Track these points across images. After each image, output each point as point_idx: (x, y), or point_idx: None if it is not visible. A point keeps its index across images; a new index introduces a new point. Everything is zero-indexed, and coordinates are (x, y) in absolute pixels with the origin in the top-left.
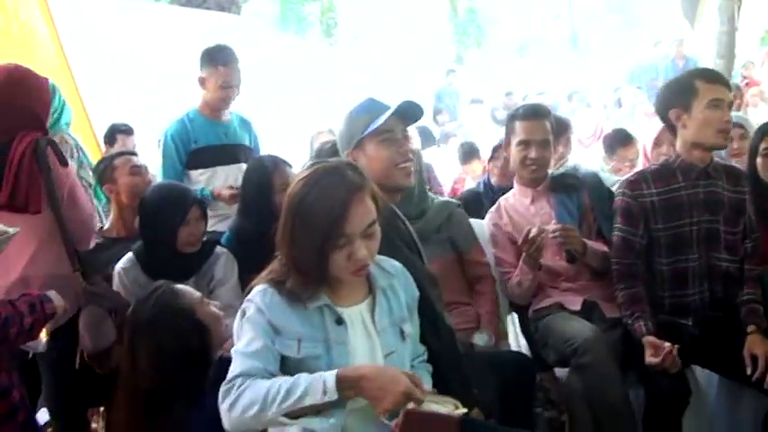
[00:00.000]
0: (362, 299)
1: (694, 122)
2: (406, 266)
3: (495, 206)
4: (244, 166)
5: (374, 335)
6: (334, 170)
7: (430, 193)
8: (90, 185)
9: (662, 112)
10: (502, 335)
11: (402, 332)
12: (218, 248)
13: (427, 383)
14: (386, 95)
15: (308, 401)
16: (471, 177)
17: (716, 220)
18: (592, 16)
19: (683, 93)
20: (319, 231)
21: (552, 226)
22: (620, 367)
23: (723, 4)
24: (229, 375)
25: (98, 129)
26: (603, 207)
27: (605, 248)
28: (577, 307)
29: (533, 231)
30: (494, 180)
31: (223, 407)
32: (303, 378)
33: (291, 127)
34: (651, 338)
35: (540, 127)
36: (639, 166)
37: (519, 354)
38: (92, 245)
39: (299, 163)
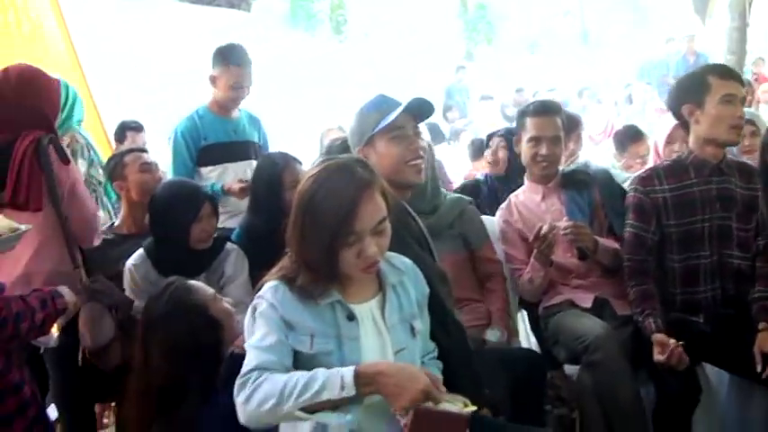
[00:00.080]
0: (372, 296)
1: (707, 118)
2: (416, 263)
3: (505, 203)
4: (253, 162)
5: (384, 332)
6: (343, 167)
7: (442, 189)
8: (100, 184)
9: (675, 107)
10: (513, 332)
11: (412, 329)
12: (229, 245)
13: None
14: (395, 92)
15: (325, 396)
16: (481, 174)
17: (728, 216)
18: (602, 12)
19: (695, 88)
20: (329, 229)
21: (563, 223)
22: (632, 365)
23: (734, 0)
24: (244, 369)
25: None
26: (614, 204)
27: (616, 245)
28: (588, 304)
29: (544, 228)
30: (487, 169)
31: (238, 400)
32: (320, 373)
33: (301, 124)
34: (659, 336)
35: (551, 123)
36: (650, 163)
37: (529, 351)
38: (96, 242)
39: (308, 160)
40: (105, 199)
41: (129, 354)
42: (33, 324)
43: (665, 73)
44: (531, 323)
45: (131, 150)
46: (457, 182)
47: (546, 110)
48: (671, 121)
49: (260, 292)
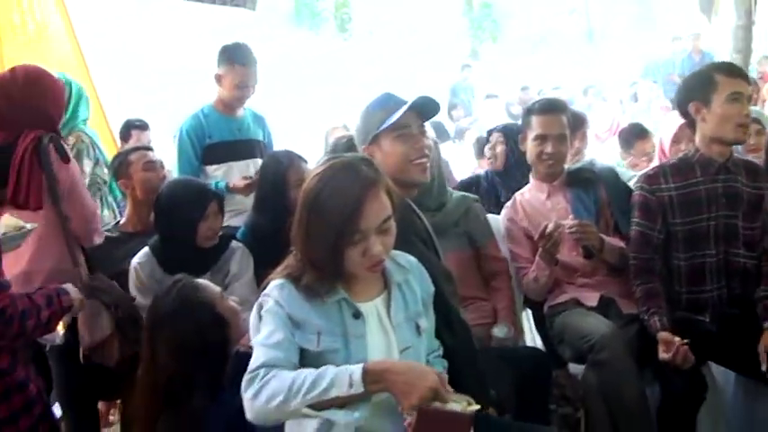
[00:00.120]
0: (378, 294)
1: (714, 116)
2: (421, 262)
3: (510, 201)
4: (258, 161)
5: (390, 330)
6: (348, 166)
7: (448, 188)
8: (105, 183)
9: (681, 105)
10: (519, 330)
11: (418, 327)
12: (234, 243)
13: None
14: (400, 91)
15: (333, 393)
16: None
17: (734, 215)
18: (608, 10)
19: (702, 86)
20: (334, 227)
21: (569, 221)
22: (637, 364)
23: None
24: (252, 365)
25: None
26: (620, 202)
27: (622, 244)
28: (594, 303)
29: (550, 227)
30: (488, 166)
31: (246, 396)
32: (329, 370)
33: (306, 122)
34: (664, 334)
35: (557, 121)
36: (656, 161)
37: (535, 349)
38: (98, 240)
39: (313, 158)
40: (110, 198)
41: (127, 351)
42: (39, 322)
43: (671, 71)
44: (535, 322)
45: (136, 149)
46: None
47: (552, 108)
48: (676, 120)
49: (266, 291)
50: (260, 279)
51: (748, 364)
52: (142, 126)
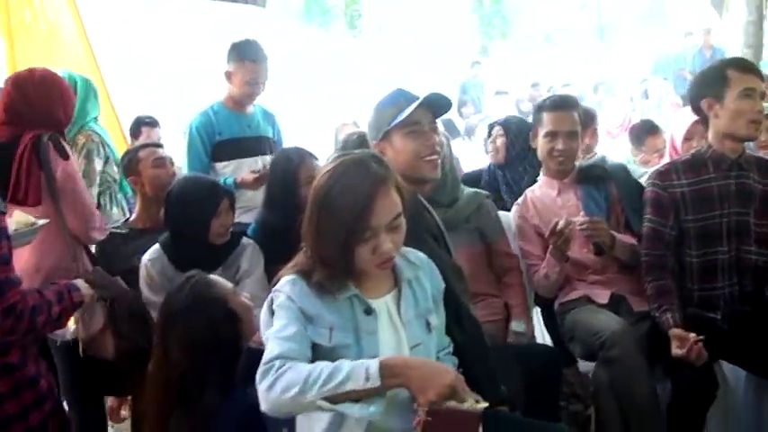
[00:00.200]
0: (388, 291)
1: (726, 112)
2: (431, 258)
3: (521, 198)
4: (267, 158)
5: (400, 327)
6: (359, 163)
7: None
8: (115, 181)
9: (694, 101)
10: (532, 326)
11: (428, 324)
12: (245, 240)
13: None
14: (410, 88)
15: (349, 387)
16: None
17: (746, 212)
18: (618, 5)
19: (715, 82)
20: (344, 224)
21: (580, 218)
22: (648, 361)
23: None
24: (267, 357)
25: None
26: (632, 199)
27: (633, 241)
28: (605, 300)
29: (561, 223)
30: (490, 159)
31: (261, 387)
32: (345, 363)
33: (315, 119)
34: (677, 331)
35: (568, 118)
36: (666, 158)
37: (545, 346)
38: (98, 237)
39: (323, 155)
40: (120, 196)
41: (125, 346)
42: (50, 317)
43: (682, 67)
44: (544, 320)
45: (146, 145)
46: None
47: (563, 104)
48: (688, 116)
49: (277, 286)
50: (270, 276)
51: (759, 363)
52: (152, 123)
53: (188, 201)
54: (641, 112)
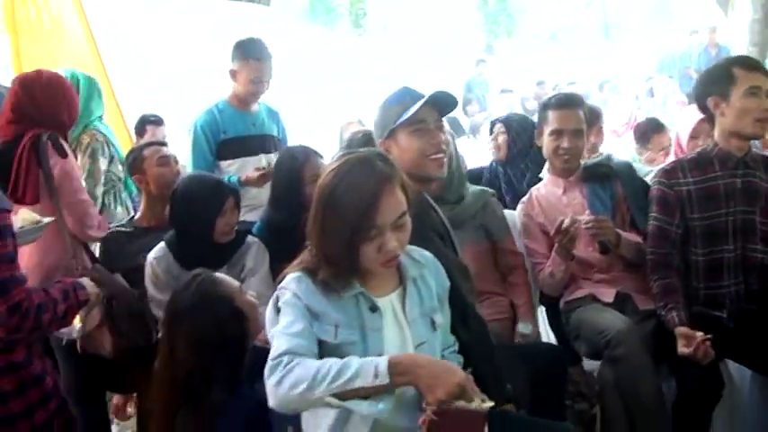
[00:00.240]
0: (393, 289)
1: (732, 110)
2: (437, 257)
3: (526, 196)
4: (272, 155)
5: (405, 325)
6: (364, 161)
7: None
8: (120, 180)
9: (700, 100)
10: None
11: (433, 322)
12: (250, 238)
13: None
14: (415, 86)
15: (358, 383)
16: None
17: (752, 210)
18: (624, 3)
19: (721, 80)
20: (349, 223)
21: (585, 216)
22: (654, 360)
23: None
24: (275, 353)
25: None
26: (637, 197)
27: (639, 239)
28: (610, 299)
29: (566, 222)
30: (494, 156)
31: (269, 383)
32: (354, 360)
33: (320, 118)
34: (684, 329)
35: (573, 116)
36: (672, 156)
37: (551, 345)
38: (95, 234)
39: (328, 154)
40: (124, 195)
41: (124, 343)
42: (55, 315)
43: (687, 65)
44: (549, 319)
45: (150, 144)
46: None
47: (568, 102)
48: (693, 115)
49: (282, 283)
50: (275, 274)
51: (765, 362)
52: (157, 122)
53: (193, 199)
54: (646, 111)
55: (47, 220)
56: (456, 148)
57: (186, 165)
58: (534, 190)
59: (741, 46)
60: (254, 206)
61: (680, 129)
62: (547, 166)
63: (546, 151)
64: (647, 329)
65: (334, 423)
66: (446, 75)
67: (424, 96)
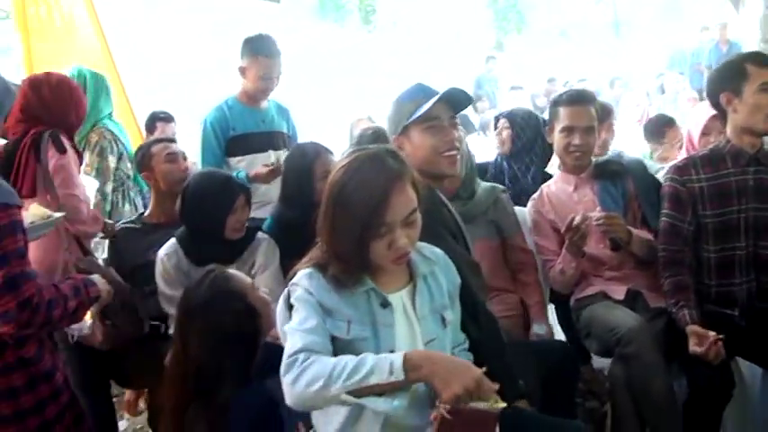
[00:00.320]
0: (403, 285)
1: (745, 107)
2: (447, 254)
3: (537, 193)
4: (280, 152)
5: (415, 322)
6: (374, 158)
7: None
8: (129, 177)
9: (712, 96)
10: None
11: (443, 319)
12: (260, 234)
13: None
14: (426, 83)
15: (373, 380)
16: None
17: (764, 207)
18: (635, 0)
19: (733, 76)
20: (360, 220)
21: (596, 213)
22: (665, 357)
23: None
24: (291, 350)
25: None
26: (648, 194)
27: (650, 236)
28: (621, 296)
29: (577, 219)
30: (499, 150)
31: (286, 380)
32: (370, 357)
33: (330, 114)
34: (695, 327)
35: (585, 113)
36: (683, 153)
37: (562, 342)
38: (85, 231)
39: (337, 150)
40: (132, 193)
41: (120, 336)
42: (66, 311)
43: (698, 62)
44: (558, 317)
45: (158, 140)
46: None
47: (580, 99)
48: (705, 111)
49: (294, 279)
50: (285, 270)
51: None
52: (167, 118)
53: (204, 196)
54: (657, 108)
55: (57, 215)
56: (466, 145)
57: (196, 161)
58: (545, 187)
59: (752, 42)
60: (264, 203)
61: (691, 126)
62: (558, 162)
63: (557, 148)
64: (659, 327)
65: (345, 420)
66: (456, 72)
67: (437, 93)
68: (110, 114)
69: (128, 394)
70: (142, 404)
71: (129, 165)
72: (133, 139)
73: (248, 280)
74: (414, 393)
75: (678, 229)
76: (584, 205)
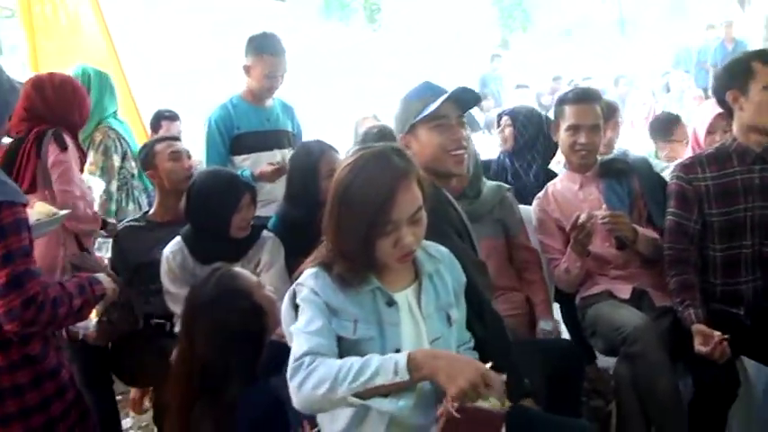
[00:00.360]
0: (408, 284)
1: (751, 105)
2: (453, 253)
3: (542, 192)
4: (286, 151)
5: (420, 320)
6: (380, 156)
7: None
8: (133, 176)
9: (719, 94)
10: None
11: (449, 318)
12: (265, 233)
13: None
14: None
15: (379, 381)
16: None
17: None
18: None
19: (739, 74)
20: (366, 218)
21: (601, 212)
22: (670, 357)
23: None
24: (296, 353)
25: None
26: (654, 193)
27: (656, 235)
28: (627, 295)
29: (582, 217)
30: (501, 148)
31: (292, 384)
32: (375, 358)
33: (334, 113)
34: (701, 327)
35: (591, 111)
36: (689, 152)
37: (567, 341)
38: (79, 228)
39: (342, 149)
40: (137, 192)
41: (115, 332)
42: (71, 310)
43: (704, 60)
44: (563, 315)
45: (161, 139)
46: None
47: (585, 97)
48: (710, 110)
49: (300, 279)
50: (290, 269)
51: None
52: (172, 117)
53: (209, 195)
54: (663, 106)
55: (62, 212)
56: (473, 144)
57: (201, 160)
58: (550, 186)
59: (758, 40)
60: (269, 201)
61: (696, 124)
62: (560, 160)
63: (562, 147)
64: (664, 326)
65: (350, 420)
66: (461, 70)
67: (445, 91)
68: (114, 113)
69: (133, 392)
70: (147, 402)
71: (133, 164)
72: (138, 137)
73: (254, 278)
74: (419, 392)
75: (684, 228)
76: (589, 204)
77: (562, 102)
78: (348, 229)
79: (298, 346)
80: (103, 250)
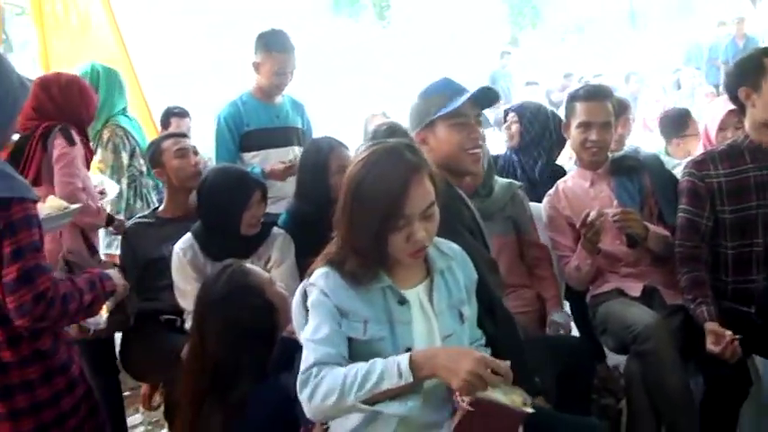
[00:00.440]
0: (420, 281)
1: (763, 101)
2: (465, 250)
3: (553, 189)
4: (296, 148)
5: (432, 317)
6: (392, 151)
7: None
8: (142, 174)
9: (731, 90)
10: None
11: (461, 315)
12: (275, 229)
13: None
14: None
15: (384, 386)
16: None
17: None
18: None
19: (752, 71)
20: (378, 213)
21: (612, 209)
22: (681, 355)
23: None
24: (304, 365)
25: None
26: (665, 190)
27: (667, 232)
28: (637, 293)
29: (592, 214)
30: (508, 144)
31: (302, 397)
32: (378, 363)
33: (344, 110)
34: (713, 326)
35: (602, 108)
36: (700, 148)
37: (577, 339)
38: (90, 221)
39: (352, 146)
40: (145, 190)
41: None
42: (81, 305)
43: (715, 57)
44: (573, 313)
45: (169, 136)
46: None
47: (596, 94)
48: (721, 106)
49: (311, 279)
50: (301, 265)
51: None
52: (181, 114)
53: (219, 192)
54: (674, 103)
55: (73, 207)
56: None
57: (211, 158)
58: (561, 183)
59: None
60: (279, 198)
61: (708, 121)
62: (569, 157)
63: (573, 144)
64: (675, 324)
65: (361, 420)
66: (471, 67)
67: (464, 89)
68: (124, 109)
69: (144, 388)
70: (158, 398)
71: (141, 161)
72: (149, 134)
73: (266, 275)
74: (427, 391)
75: (696, 225)
76: (600, 201)
77: (573, 99)
78: (360, 225)
79: (305, 358)
80: (113, 247)
